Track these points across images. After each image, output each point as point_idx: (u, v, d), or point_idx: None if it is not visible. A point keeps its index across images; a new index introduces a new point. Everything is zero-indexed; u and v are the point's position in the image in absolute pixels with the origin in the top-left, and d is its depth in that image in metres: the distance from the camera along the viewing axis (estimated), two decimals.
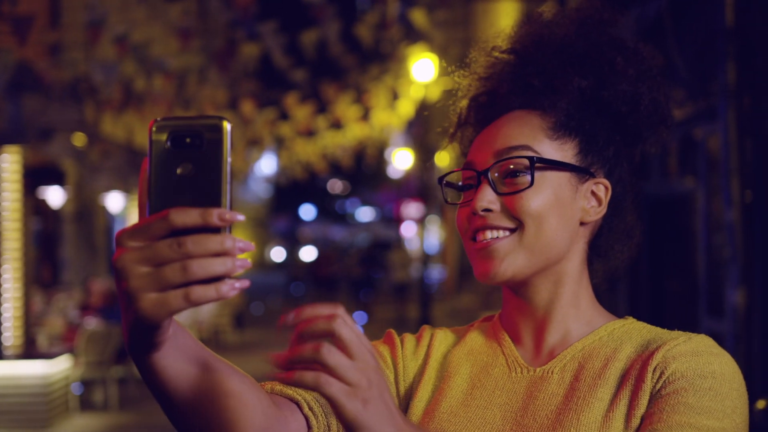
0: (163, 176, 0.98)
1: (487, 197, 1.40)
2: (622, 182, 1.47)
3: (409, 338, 1.56)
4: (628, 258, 1.51)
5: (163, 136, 0.98)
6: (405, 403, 1.49)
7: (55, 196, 15.82)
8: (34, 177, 12.71)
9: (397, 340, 1.54)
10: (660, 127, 1.48)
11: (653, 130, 1.48)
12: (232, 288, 0.96)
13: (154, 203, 0.98)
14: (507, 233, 1.40)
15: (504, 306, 1.50)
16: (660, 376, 1.31)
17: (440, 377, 1.49)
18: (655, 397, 1.30)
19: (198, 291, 0.95)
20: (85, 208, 17.42)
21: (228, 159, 0.98)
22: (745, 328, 5.97)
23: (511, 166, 1.40)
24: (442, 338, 1.55)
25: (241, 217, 0.97)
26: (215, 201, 0.97)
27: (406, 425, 1.05)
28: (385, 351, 1.53)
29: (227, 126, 0.98)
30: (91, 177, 15.52)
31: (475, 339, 1.52)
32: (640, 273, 8.62)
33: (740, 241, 6.09)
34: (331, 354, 0.98)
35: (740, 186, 6.12)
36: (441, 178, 1.51)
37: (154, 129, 0.98)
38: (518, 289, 1.45)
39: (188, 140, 0.98)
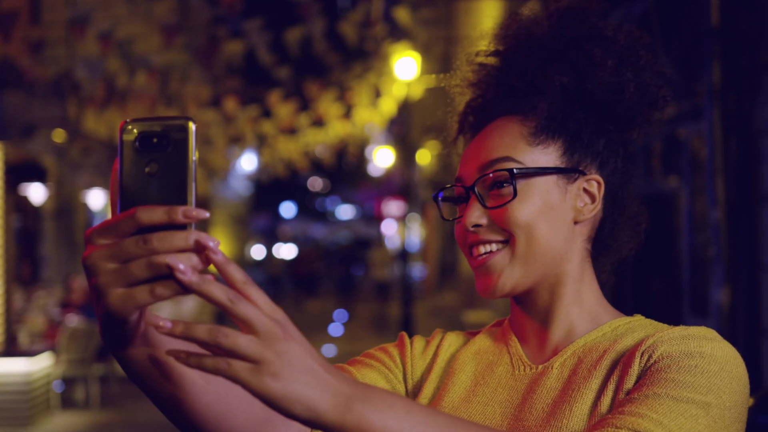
0: (132, 175, 1.01)
1: (475, 213, 1.41)
2: (618, 172, 1.45)
3: (419, 339, 1.58)
4: (637, 246, 1.49)
5: (132, 137, 1.02)
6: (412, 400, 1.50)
7: (36, 192, 15.71)
8: (16, 174, 12.63)
9: (408, 341, 1.56)
10: (651, 109, 1.47)
11: (644, 113, 1.46)
12: None
13: (123, 202, 1.01)
14: (499, 246, 1.40)
15: (511, 310, 1.52)
16: (648, 360, 1.28)
17: (445, 374, 1.51)
18: (639, 377, 1.28)
19: (163, 286, 0.97)
20: (66, 205, 17.32)
21: (193, 158, 1.01)
22: (730, 327, 6.01)
23: (495, 179, 1.40)
24: (452, 340, 1.57)
25: (206, 214, 0.99)
26: (181, 199, 1.00)
27: (340, 384, 1.01)
28: (394, 352, 1.54)
29: (192, 126, 1.02)
30: (72, 174, 15.44)
31: (483, 340, 1.54)
32: (624, 271, 8.66)
33: (725, 240, 6.14)
34: (226, 337, 0.95)
35: (725, 185, 6.17)
36: (435, 195, 1.52)
37: (123, 130, 1.02)
38: (520, 296, 1.46)
39: (155, 140, 1.01)
